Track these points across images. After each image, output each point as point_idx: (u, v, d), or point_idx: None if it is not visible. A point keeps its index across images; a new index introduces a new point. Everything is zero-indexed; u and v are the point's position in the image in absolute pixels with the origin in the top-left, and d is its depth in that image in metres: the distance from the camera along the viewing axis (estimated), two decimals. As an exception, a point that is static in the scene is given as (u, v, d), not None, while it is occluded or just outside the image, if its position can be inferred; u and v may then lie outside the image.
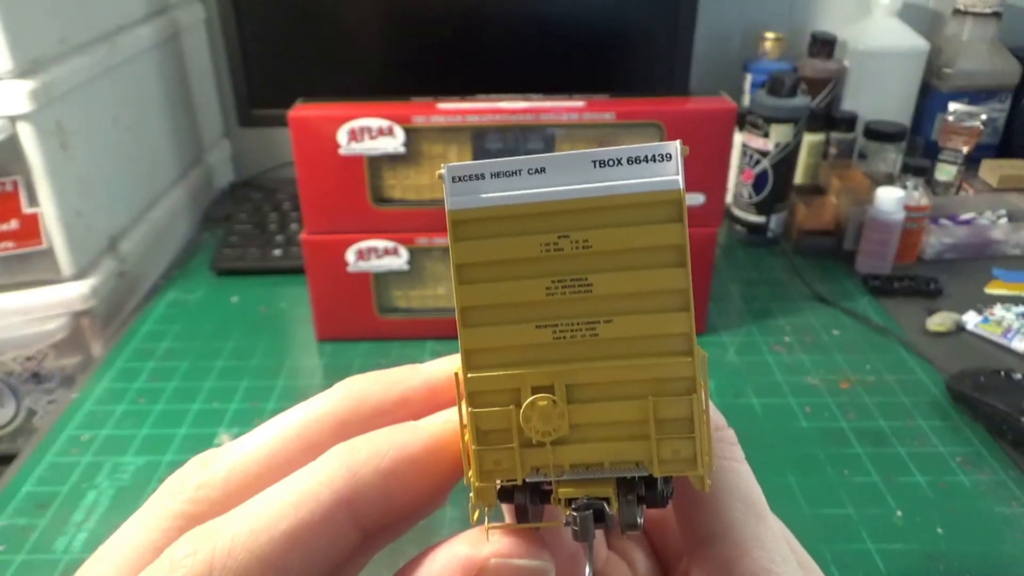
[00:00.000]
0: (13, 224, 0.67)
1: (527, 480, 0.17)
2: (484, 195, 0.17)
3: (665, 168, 0.16)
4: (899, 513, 0.53)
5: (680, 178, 0.16)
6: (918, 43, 1.00)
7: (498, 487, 0.18)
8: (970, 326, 0.73)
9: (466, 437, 0.17)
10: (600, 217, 0.16)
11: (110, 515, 0.53)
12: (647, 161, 0.16)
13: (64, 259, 0.70)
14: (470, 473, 0.18)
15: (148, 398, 0.65)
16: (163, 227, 0.88)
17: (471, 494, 0.18)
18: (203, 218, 0.99)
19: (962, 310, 0.75)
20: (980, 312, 0.74)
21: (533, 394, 0.17)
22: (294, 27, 0.88)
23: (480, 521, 0.18)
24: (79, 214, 0.71)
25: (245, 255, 0.86)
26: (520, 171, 0.16)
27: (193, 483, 0.18)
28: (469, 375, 0.17)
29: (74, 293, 0.70)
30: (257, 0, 0.86)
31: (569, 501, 0.17)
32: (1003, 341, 0.71)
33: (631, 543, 0.26)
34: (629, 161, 0.16)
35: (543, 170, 0.16)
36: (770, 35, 1.03)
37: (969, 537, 0.51)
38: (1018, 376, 0.62)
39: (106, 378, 0.68)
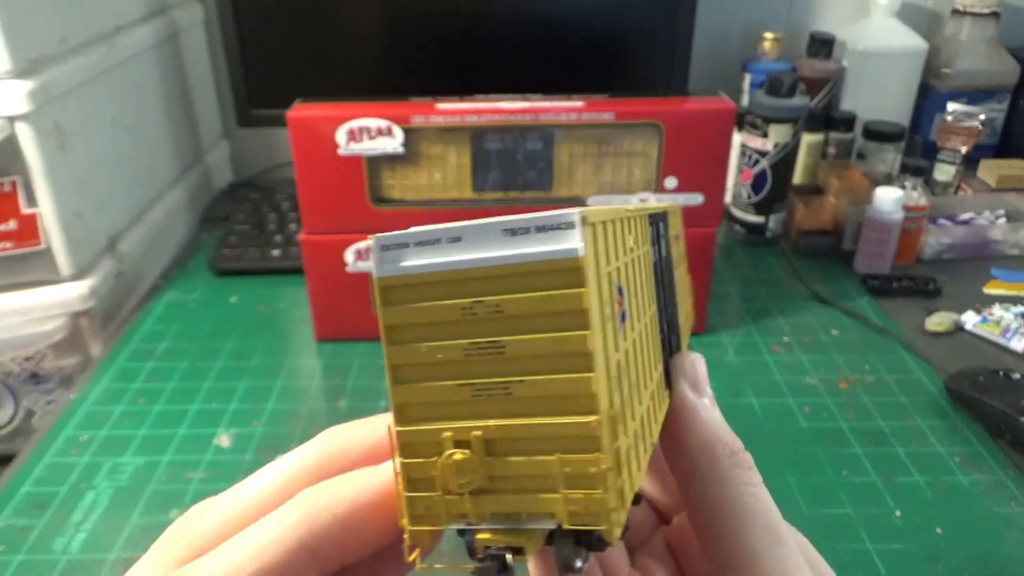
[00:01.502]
0: (11, 224, 0.67)
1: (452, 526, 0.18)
2: (405, 263, 0.18)
3: (569, 236, 0.16)
4: (898, 513, 0.53)
5: (581, 246, 0.16)
6: (917, 43, 1.00)
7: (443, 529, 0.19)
8: (969, 326, 0.73)
9: (399, 485, 0.19)
10: (508, 283, 0.17)
11: (108, 515, 0.53)
12: (553, 229, 0.17)
13: (63, 259, 0.70)
14: (403, 520, 0.19)
15: (147, 398, 0.65)
16: (162, 227, 0.88)
17: (405, 536, 0.19)
18: (202, 218, 0.99)
19: (961, 310, 0.75)
20: (979, 312, 0.75)
21: (455, 446, 0.18)
22: (293, 27, 0.88)
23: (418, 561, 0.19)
24: (78, 214, 0.71)
25: (244, 255, 0.86)
26: (440, 240, 0.17)
27: (191, 531, 0.20)
28: (398, 428, 0.18)
29: (73, 293, 0.70)
30: (256, 0, 0.86)
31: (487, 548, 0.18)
32: (1002, 341, 0.71)
33: (654, 562, 0.27)
34: (537, 229, 0.17)
35: (459, 239, 0.17)
36: (769, 35, 1.03)
37: (968, 537, 0.51)
38: (1016, 376, 0.62)
39: (105, 378, 0.68)
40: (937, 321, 0.73)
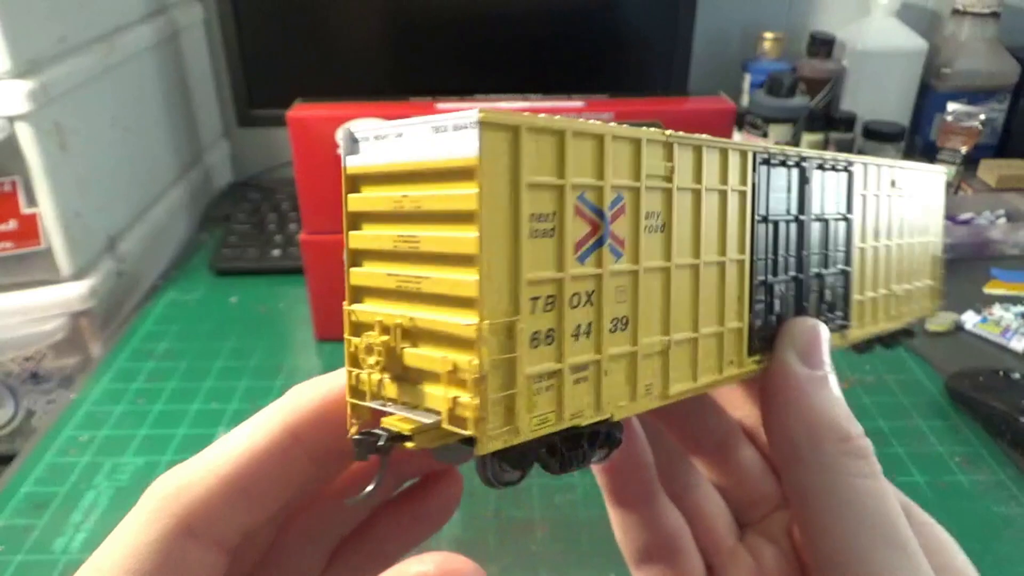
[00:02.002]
0: (11, 224, 0.67)
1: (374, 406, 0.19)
2: (361, 156, 0.19)
3: (470, 137, 0.16)
4: (898, 513, 0.53)
5: (475, 148, 0.16)
6: (917, 43, 1.00)
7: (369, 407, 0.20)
8: (969, 326, 0.73)
9: (345, 360, 0.20)
10: (424, 180, 0.18)
11: (109, 516, 0.53)
12: (463, 129, 0.17)
13: (63, 259, 0.69)
14: (346, 392, 0.20)
15: (147, 398, 0.65)
16: (162, 227, 0.88)
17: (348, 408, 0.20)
18: (202, 218, 0.99)
19: (961, 310, 0.75)
20: (979, 312, 0.75)
21: (381, 331, 0.19)
22: (293, 27, 0.88)
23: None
24: (78, 214, 0.71)
25: (244, 255, 0.86)
26: (388, 135, 0.18)
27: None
28: (346, 307, 0.20)
29: (73, 293, 0.70)
30: (256, 0, 0.86)
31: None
32: (1002, 341, 0.71)
33: (766, 543, 0.25)
34: (454, 128, 0.17)
35: (401, 135, 0.18)
36: (769, 35, 1.03)
37: (968, 537, 0.51)
38: (1016, 376, 0.62)
39: (105, 378, 0.68)
40: (937, 321, 0.73)
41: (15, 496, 0.55)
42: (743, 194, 0.23)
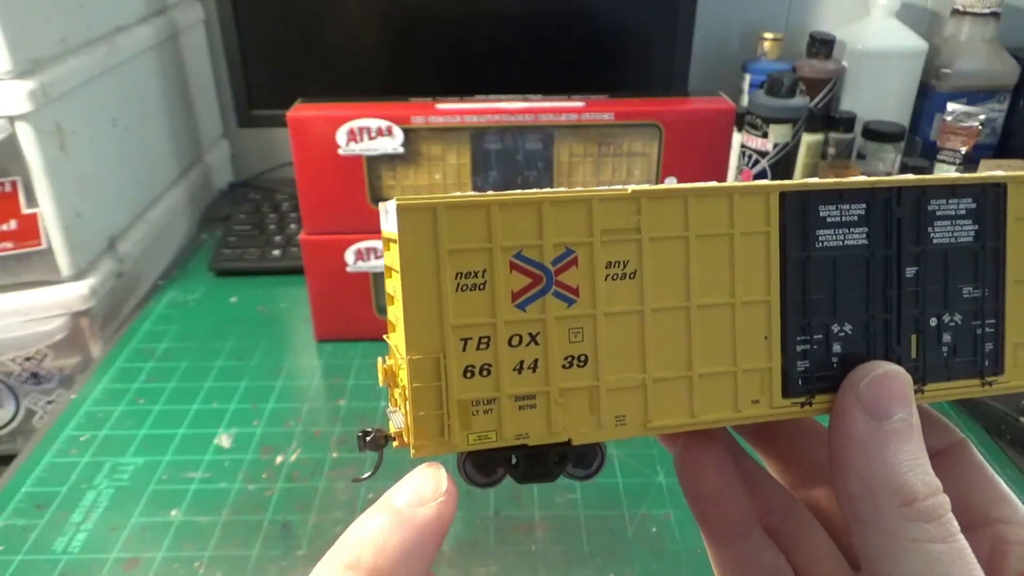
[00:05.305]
0: (12, 224, 0.67)
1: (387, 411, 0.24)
2: (385, 224, 0.22)
3: (395, 218, 0.20)
4: (898, 513, 0.53)
5: (395, 227, 0.20)
6: (916, 43, 1.00)
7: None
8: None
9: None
10: (391, 248, 0.21)
11: (109, 515, 0.53)
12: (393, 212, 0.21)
13: (63, 259, 0.70)
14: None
15: (147, 398, 0.65)
16: (162, 227, 0.88)
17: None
18: (202, 218, 0.99)
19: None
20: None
21: (390, 356, 0.24)
22: (293, 27, 0.88)
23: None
24: (78, 214, 0.71)
25: (244, 255, 0.86)
26: (388, 211, 0.22)
27: None
28: (384, 336, 0.25)
29: (73, 293, 0.70)
30: (256, 0, 0.86)
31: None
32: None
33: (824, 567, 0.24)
34: (394, 210, 0.21)
35: (387, 212, 0.22)
36: (769, 35, 1.03)
37: (968, 537, 0.51)
38: (1016, 376, 0.62)
39: (105, 378, 0.68)
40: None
41: (15, 496, 0.55)
42: (766, 235, 0.22)
